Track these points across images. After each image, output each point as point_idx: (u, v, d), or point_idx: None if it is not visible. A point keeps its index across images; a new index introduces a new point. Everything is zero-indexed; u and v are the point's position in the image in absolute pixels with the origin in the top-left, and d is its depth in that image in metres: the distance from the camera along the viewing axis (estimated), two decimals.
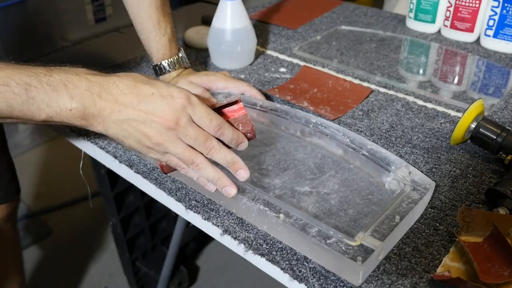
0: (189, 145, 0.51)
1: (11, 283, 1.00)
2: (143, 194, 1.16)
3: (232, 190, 0.52)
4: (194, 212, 0.56)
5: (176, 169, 0.54)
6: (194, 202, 0.57)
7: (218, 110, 0.54)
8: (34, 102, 0.47)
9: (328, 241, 0.46)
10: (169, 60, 0.75)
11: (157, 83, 0.50)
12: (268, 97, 0.78)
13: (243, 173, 0.53)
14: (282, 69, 0.89)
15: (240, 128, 0.54)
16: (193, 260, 1.50)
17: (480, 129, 0.62)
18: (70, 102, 0.48)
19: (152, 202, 1.22)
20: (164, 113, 0.48)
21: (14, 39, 1.71)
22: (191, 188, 0.60)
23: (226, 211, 0.56)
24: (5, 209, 0.93)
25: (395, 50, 0.97)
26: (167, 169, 0.55)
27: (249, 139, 0.55)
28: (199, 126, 0.50)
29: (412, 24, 1.07)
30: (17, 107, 0.46)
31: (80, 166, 0.72)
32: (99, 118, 0.49)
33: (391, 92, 0.81)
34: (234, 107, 0.55)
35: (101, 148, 0.67)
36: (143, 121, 0.49)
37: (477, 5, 0.95)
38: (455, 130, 0.63)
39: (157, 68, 0.76)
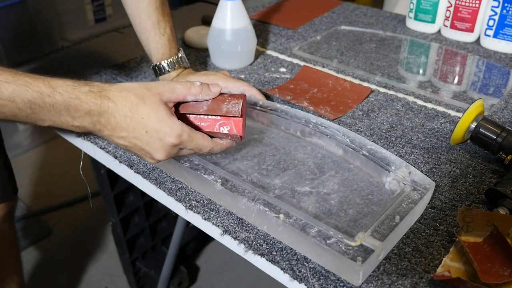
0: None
1: (9, 283, 1.00)
2: (143, 194, 1.16)
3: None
4: (194, 212, 0.56)
5: None
6: (194, 202, 0.57)
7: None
8: (38, 116, 0.51)
9: (328, 241, 0.46)
10: (169, 60, 0.75)
11: (151, 117, 0.52)
12: (268, 97, 0.78)
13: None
14: (282, 69, 0.89)
15: (229, 138, 0.58)
16: (193, 260, 1.50)
17: (480, 129, 0.62)
18: (72, 121, 0.52)
19: (152, 202, 1.22)
20: (156, 151, 0.54)
21: (14, 39, 1.71)
22: (191, 188, 0.60)
23: (226, 211, 0.56)
24: (3, 208, 0.93)
25: (395, 50, 0.97)
26: None
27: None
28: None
29: (412, 24, 1.07)
30: (22, 117, 0.50)
31: (80, 166, 0.72)
32: (100, 134, 0.55)
33: (391, 92, 0.81)
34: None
35: (101, 148, 0.67)
36: (138, 151, 0.55)
37: (477, 5, 0.95)
38: (455, 130, 0.63)
39: (156, 68, 0.76)
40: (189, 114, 0.57)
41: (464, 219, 0.51)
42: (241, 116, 0.56)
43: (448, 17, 1.00)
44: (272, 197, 0.52)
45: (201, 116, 0.57)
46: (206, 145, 0.56)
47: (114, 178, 1.09)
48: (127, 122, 0.53)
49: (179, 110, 0.57)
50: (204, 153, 0.57)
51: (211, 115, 0.56)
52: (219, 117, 0.56)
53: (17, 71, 0.50)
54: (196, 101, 0.57)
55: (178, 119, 0.54)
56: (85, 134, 0.70)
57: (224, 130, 0.57)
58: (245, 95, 0.58)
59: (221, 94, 0.57)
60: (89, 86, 0.52)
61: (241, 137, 0.57)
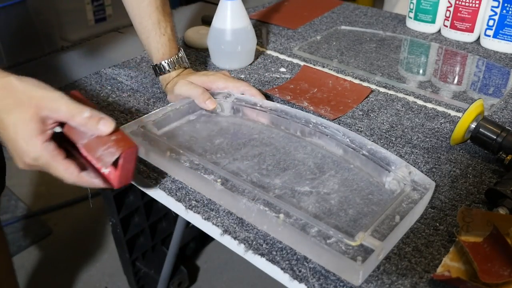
0: None
1: (2, 285, 0.99)
2: (143, 194, 1.16)
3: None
4: (194, 212, 0.56)
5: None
6: (194, 202, 0.57)
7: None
8: None
9: (328, 241, 0.46)
10: (169, 60, 0.75)
11: (16, 128, 0.50)
12: (268, 97, 0.78)
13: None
14: (282, 69, 0.89)
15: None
16: (193, 260, 1.50)
17: (480, 129, 0.62)
18: None
19: (152, 202, 1.22)
20: (16, 160, 0.52)
21: (14, 39, 1.71)
22: (191, 188, 0.60)
23: (226, 211, 0.56)
24: None
25: (395, 50, 0.97)
26: None
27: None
28: None
29: (412, 24, 1.07)
30: None
31: None
32: None
33: (391, 92, 0.81)
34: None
35: None
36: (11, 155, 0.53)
37: (477, 5, 0.95)
38: (455, 130, 0.63)
39: (156, 68, 0.76)
40: (70, 137, 0.53)
41: (464, 219, 0.52)
42: (114, 168, 0.51)
43: (448, 17, 1.00)
44: (272, 197, 0.52)
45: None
46: (68, 177, 0.52)
47: None
48: (5, 126, 0.50)
49: (65, 127, 0.53)
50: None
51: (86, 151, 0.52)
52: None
53: None
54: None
55: (64, 135, 0.52)
56: None
57: (102, 169, 0.52)
58: (137, 147, 0.52)
59: (117, 132, 0.51)
60: None
61: (114, 186, 0.52)
